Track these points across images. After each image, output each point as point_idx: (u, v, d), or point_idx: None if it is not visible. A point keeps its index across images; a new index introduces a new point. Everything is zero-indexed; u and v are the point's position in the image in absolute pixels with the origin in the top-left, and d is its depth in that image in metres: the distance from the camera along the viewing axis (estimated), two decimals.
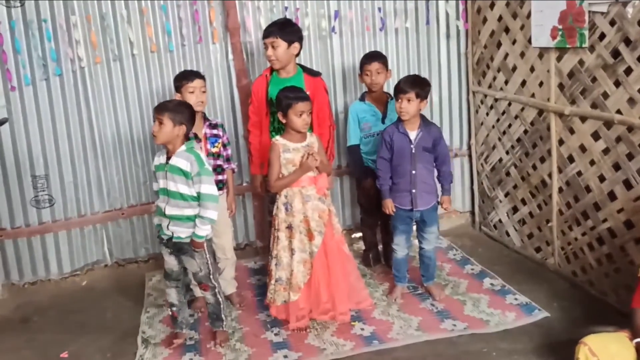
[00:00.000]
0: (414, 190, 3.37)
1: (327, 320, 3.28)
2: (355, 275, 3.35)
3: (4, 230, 3.87)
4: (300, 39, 3.51)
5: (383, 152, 3.42)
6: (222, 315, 3.19)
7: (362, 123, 3.78)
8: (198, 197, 2.94)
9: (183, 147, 2.94)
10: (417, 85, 3.29)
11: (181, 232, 3.00)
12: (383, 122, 3.75)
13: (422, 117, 3.40)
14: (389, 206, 3.43)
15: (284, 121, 3.16)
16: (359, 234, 4.30)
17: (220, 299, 3.16)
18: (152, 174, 3.12)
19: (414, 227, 3.57)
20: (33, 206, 3.90)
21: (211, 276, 3.10)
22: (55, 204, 3.95)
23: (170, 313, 3.22)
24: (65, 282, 4.05)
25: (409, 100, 3.26)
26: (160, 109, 2.90)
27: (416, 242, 3.64)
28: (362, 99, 3.84)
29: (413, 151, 3.34)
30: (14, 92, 3.70)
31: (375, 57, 3.74)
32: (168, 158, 2.95)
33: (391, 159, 3.40)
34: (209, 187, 2.92)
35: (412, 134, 3.35)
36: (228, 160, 3.47)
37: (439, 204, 3.49)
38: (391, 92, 4.03)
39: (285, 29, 3.44)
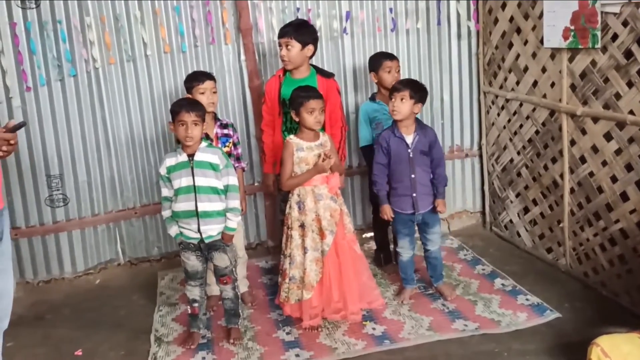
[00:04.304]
0: (414, 194, 3.37)
1: (339, 319, 3.29)
2: (367, 275, 3.35)
3: (18, 229, 3.90)
4: (315, 41, 3.52)
5: (379, 158, 3.40)
6: (240, 311, 3.23)
7: (374, 123, 3.78)
8: (225, 190, 3.02)
9: (204, 144, 3.02)
10: (411, 85, 3.31)
11: (212, 230, 3.04)
12: None
13: (417, 121, 3.40)
14: (387, 212, 3.43)
15: (297, 119, 3.18)
16: (371, 234, 4.30)
17: (238, 293, 3.22)
18: (163, 178, 3.09)
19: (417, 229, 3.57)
20: (47, 205, 3.95)
21: (234, 268, 3.18)
22: (69, 203, 3.99)
23: (189, 311, 3.22)
24: (78, 281, 4.08)
25: (401, 99, 3.26)
26: (198, 109, 2.95)
27: (420, 243, 3.64)
28: (372, 98, 3.84)
29: (411, 155, 3.34)
30: (29, 93, 3.75)
31: (393, 55, 3.80)
32: (189, 155, 2.99)
33: (388, 164, 3.39)
34: (235, 179, 3.05)
35: (409, 138, 3.34)
36: (238, 159, 3.50)
37: (434, 206, 3.45)
38: None
39: (300, 30, 3.46)
